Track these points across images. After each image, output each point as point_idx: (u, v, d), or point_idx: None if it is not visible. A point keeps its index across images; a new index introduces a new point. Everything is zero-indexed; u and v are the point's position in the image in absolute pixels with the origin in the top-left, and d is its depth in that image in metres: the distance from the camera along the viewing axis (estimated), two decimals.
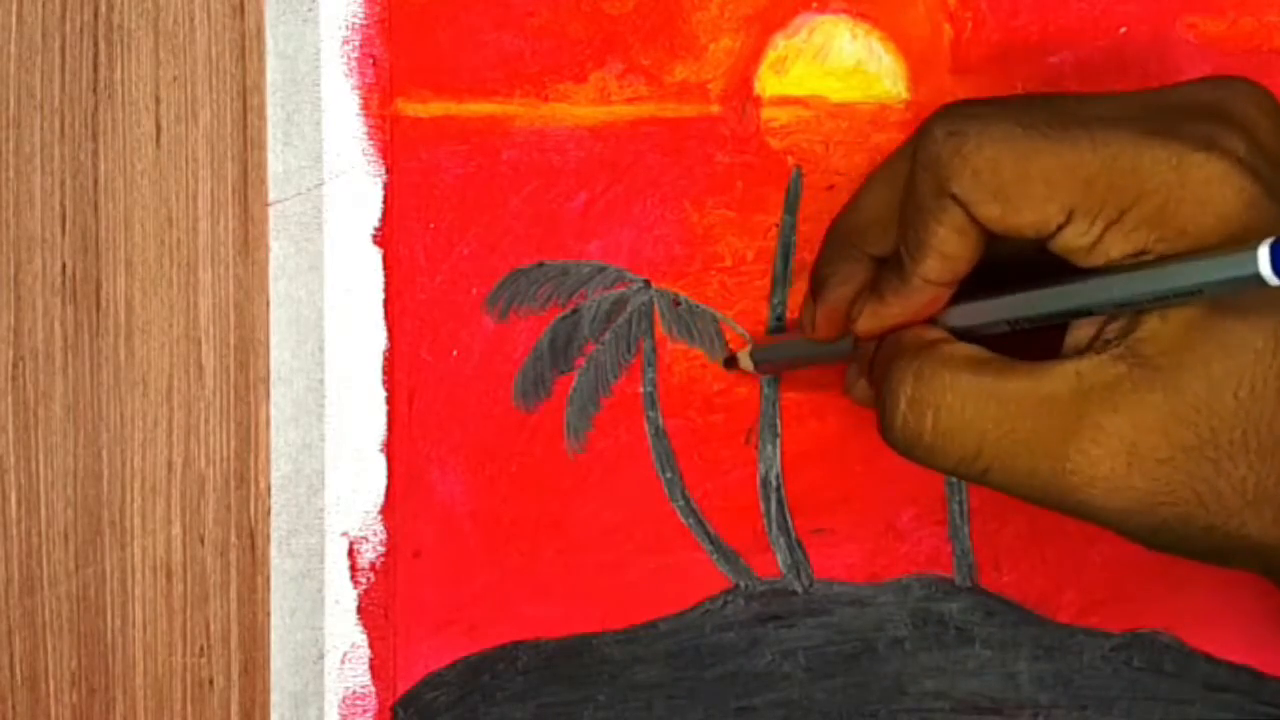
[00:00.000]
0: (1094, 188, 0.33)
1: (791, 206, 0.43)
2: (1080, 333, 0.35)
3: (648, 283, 0.43)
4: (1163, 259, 0.33)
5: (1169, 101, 0.35)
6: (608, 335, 0.43)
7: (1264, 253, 0.30)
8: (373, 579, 0.43)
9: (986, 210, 0.34)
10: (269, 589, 0.43)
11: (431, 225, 0.43)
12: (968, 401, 0.35)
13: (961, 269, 0.36)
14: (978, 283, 0.36)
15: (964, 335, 0.36)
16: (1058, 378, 0.34)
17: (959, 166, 0.34)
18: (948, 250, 0.35)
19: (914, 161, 0.35)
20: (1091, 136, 0.33)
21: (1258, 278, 0.30)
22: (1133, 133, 0.33)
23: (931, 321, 0.37)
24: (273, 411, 0.43)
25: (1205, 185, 0.33)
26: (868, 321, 0.38)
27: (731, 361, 0.43)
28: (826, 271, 0.39)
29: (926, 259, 0.35)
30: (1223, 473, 0.33)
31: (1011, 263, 0.36)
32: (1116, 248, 0.33)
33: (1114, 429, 0.33)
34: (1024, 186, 0.33)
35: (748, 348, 0.43)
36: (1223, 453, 0.33)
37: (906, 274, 0.36)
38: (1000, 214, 0.34)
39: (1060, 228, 0.34)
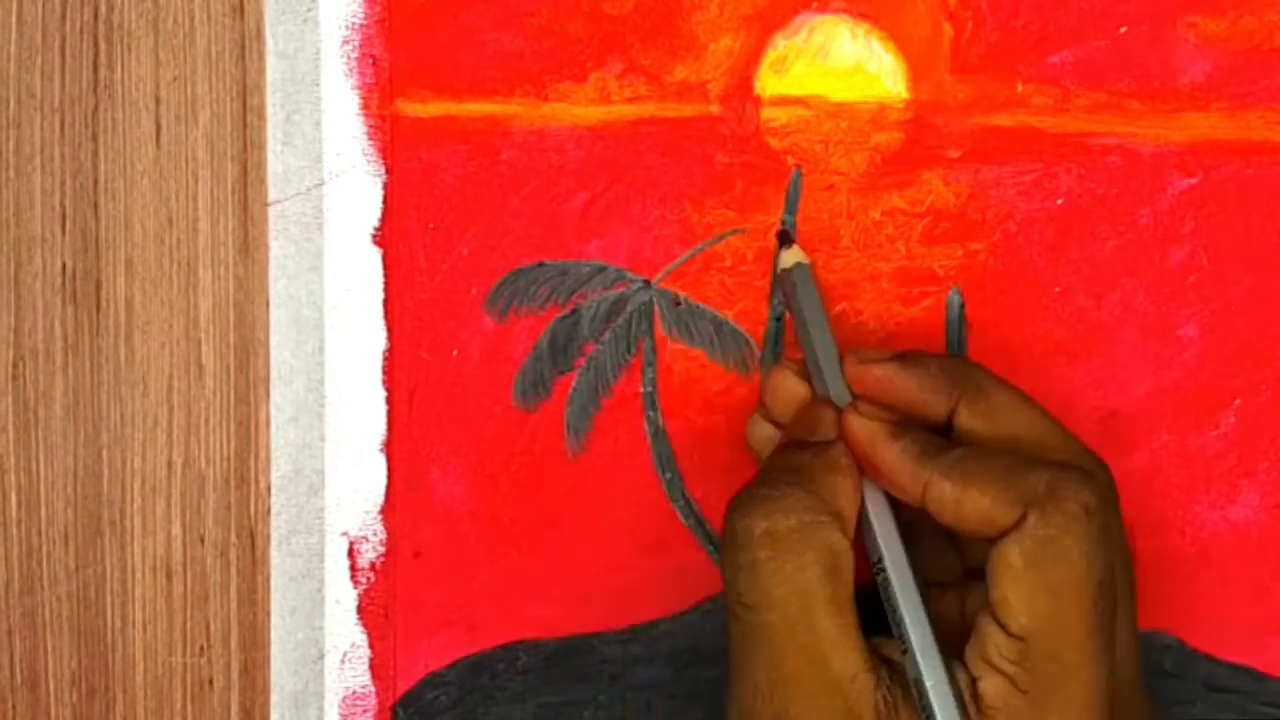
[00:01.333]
0: (1048, 662, 0.35)
1: (791, 206, 0.43)
2: (897, 651, 0.37)
3: (647, 282, 0.43)
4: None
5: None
6: (607, 335, 0.43)
7: None
8: (373, 579, 0.43)
9: (1013, 570, 0.35)
10: (269, 589, 0.43)
11: (431, 225, 0.43)
12: (790, 584, 0.35)
13: (937, 515, 0.37)
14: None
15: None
16: (845, 659, 0.35)
17: (1052, 541, 0.35)
18: (965, 511, 0.36)
19: (1050, 487, 0.35)
20: (1104, 647, 0.35)
21: None
22: (1099, 694, 0.35)
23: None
24: (273, 411, 0.43)
25: None
26: (862, 433, 0.38)
27: (786, 237, 0.42)
28: (933, 370, 0.39)
29: (950, 485, 0.36)
30: None
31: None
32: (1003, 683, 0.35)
33: None
34: (1044, 607, 0.35)
35: (807, 260, 0.41)
36: None
37: (926, 464, 0.37)
38: (1013, 586, 0.35)
39: (1011, 631, 0.35)
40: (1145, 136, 0.43)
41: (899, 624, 0.36)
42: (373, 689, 0.44)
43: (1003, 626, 0.35)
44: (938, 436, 0.38)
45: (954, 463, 0.36)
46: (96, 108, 0.43)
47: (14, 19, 0.43)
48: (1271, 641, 0.44)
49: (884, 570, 0.37)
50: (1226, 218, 0.43)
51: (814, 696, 0.35)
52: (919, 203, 0.43)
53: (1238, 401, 0.43)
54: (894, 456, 0.37)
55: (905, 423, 0.38)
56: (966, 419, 0.38)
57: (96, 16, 0.43)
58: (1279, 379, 0.43)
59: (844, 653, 0.35)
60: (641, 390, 0.43)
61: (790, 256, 0.41)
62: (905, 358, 0.39)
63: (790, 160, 0.43)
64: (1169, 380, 0.43)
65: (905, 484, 0.37)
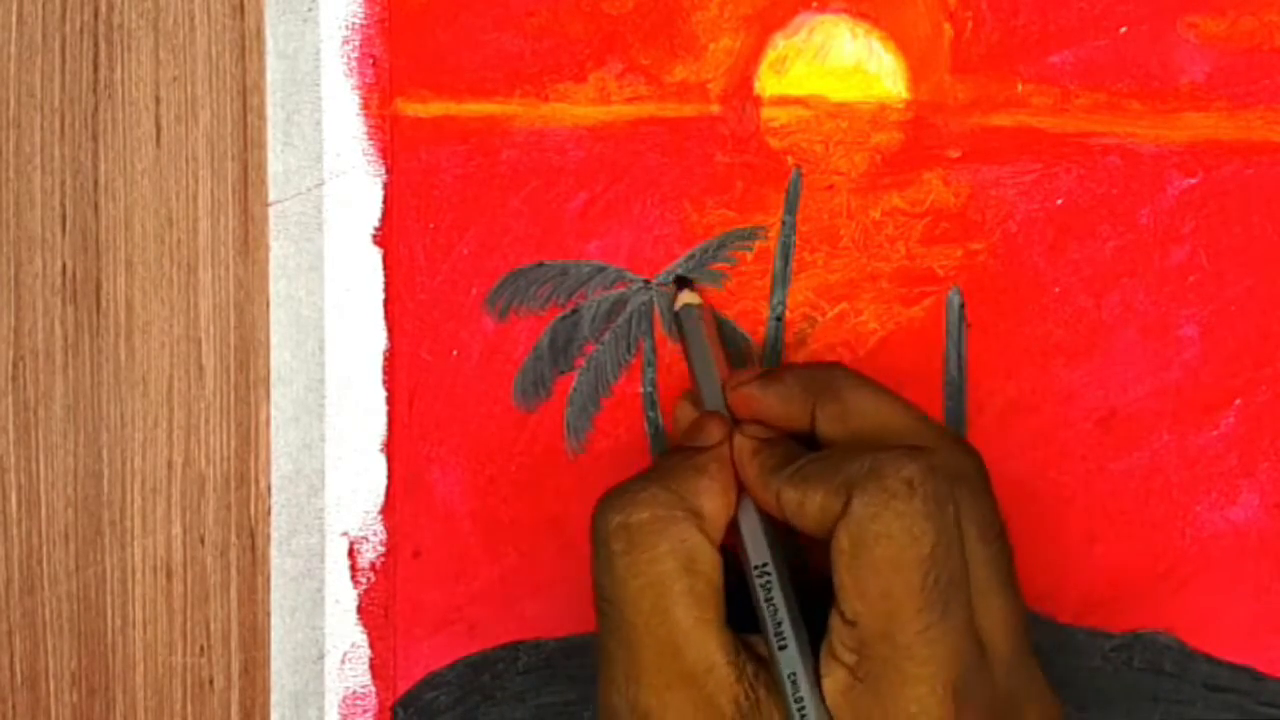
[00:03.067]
0: (880, 644, 0.35)
1: (791, 206, 0.43)
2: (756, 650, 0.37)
3: (647, 283, 0.43)
4: None
5: (1013, 683, 0.37)
6: (608, 335, 0.43)
7: None
8: (373, 579, 0.43)
9: (842, 539, 0.35)
10: (269, 589, 0.43)
11: (431, 225, 0.43)
12: (646, 577, 0.36)
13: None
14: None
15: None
16: (703, 649, 0.36)
17: (870, 499, 0.35)
18: (827, 432, 0.39)
19: (884, 443, 0.36)
20: (934, 625, 0.34)
21: None
22: (951, 674, 0.35)
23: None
24: (273, 411, 0.43)
25: None
26: (742, 398, 0.40)
27: (684, 282, 0.42)
28: (806, 387, 0.40)
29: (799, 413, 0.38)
30: None
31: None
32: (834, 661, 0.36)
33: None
34: (872, 573, 0.35)
35: (696, 299, 0.42)
36: None
37: (793, 400, 0.39)
38: (841, 552, 0.35)
39: (843, 617, 0.35)
40: (1145, 136, 0.43)
41: (768, 624, 0.37)
42: (373, 689, 0.44)
43: (841, 615, 0.35)
44: (802, 450, 0.38)
45: (795, 470, 0.37)
46: (96, 108, 0.43)
47: (14, 19, 0.43)
48: (1271, 641, 0.44)
49: (756, 575, 0.38)
50: (1226, 218, 0.43)
51: (668, 688, 0.36)
52: (919, 203, 0.43)
53: (1238, 401, 0.43)
54: (752, 472, 0.38)
55: (778, 440, 0.39)
56: (824, 424, 0.39)
57: (96, 16, 0.43)
58: (1279, 379, 0.43)
59: (700, 644, 0.36)
60: (641, 390, 0.43)
61: (684, 298, 0.42)
62: (767, 374, 0.40)
63: (790, 160, 0.43)
64: (1169, 380, 0.43)
65: (762, 497, 0.38)
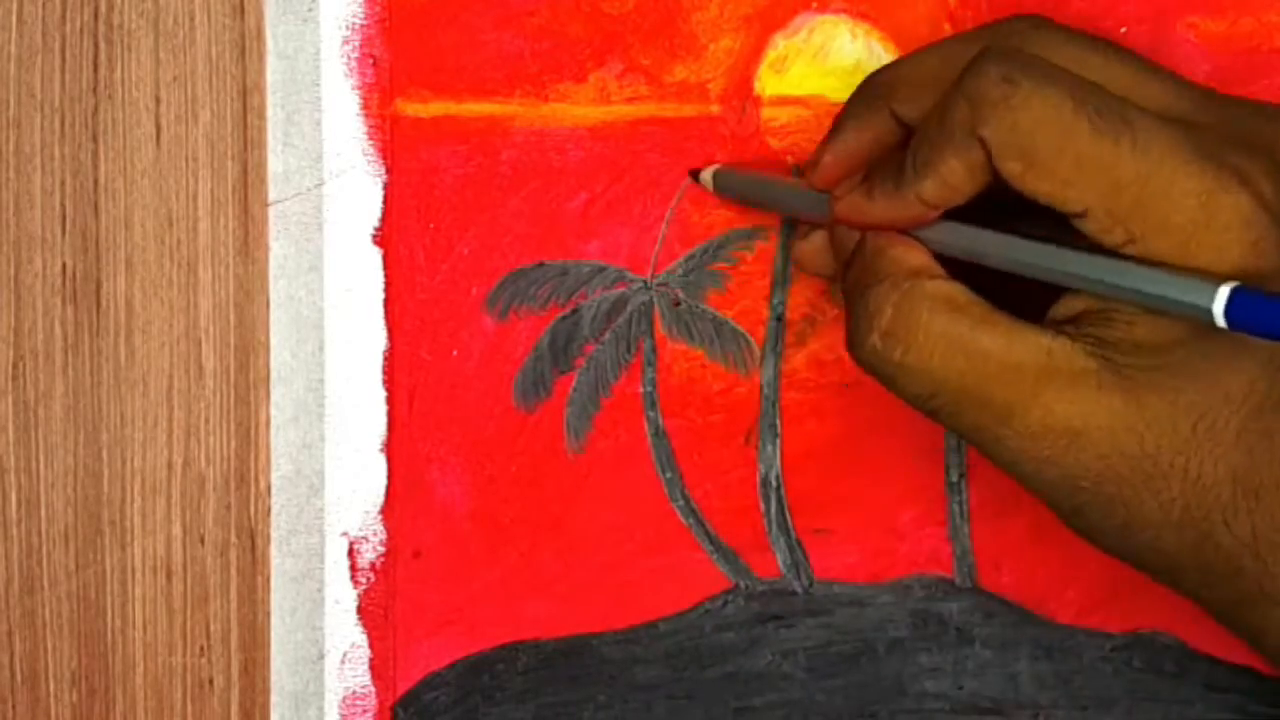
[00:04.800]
0: (1120, 196, 0.33)
1: None
2: (1068, 305, 0.35)
3: (647, 283, 0.43)
4: (1142, 261, 0.33)
5: (1220, 117, 0.36)
6: (608, 335, 0.43)
7: (1222, 294, 0.31)
8: (372, 579, 0.43)
9: (1009, 165, 0.34)
10: (269, 589, 0.43)
11: (431, 225, 0.43)
12: (937, 347, 0.35)
13: (959, 200, 0.36)
14: (973, 206, 0.36)
15: (945, 258, 0.37)
16: (1028, 347, 0.35)
17: (1000, 114, 0.34)
18: (953, 181, 0.35)
19: (956, 89, 0.35)
20: (1134, 140, 0.33)
21: (1210, 314, 0.32)
22: (1174, 150, 0.33)
23: (914, 234, 0.37)
24: (273, 411, 0.43)
25: (1225, 228, 0.33)
26: (847, 209, 0.38)
27: (695, 173, 0.42)
28: (848, 117, 0.39)
29: (927, 179, 0.35)
30: (1153, 489, 0.35)
31: (1014, 199, 0.36)
32: (1127, 250, 0.34)
33: (1063, 415, 0.34)
34: (1054, 160, 0.34)
35: (714, 166, 0.42)
36: (1160, 471, 0.34)
37: (903, 184, 0.36)
38: (1021, 173, 0.34)
39: (1075, 215, 0.34)
40: None
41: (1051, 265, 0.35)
42: (373, 689, 0.44)
43: (1083, 218, 0.34)
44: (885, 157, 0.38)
45: (913, 165, 0.36)
46: (96, 108, 0.43)
47: (14, 19, 0.43)
48: None
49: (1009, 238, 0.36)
50: None
51: (1036, 395, 0.35)
52: None
53: None
54: (880, 202, 0.37)
55: (861, 171, 0.38)
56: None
57: (96, 16, 0.43)
58: None
59: (1023, 341, 0.35)
60: (641, 390, 0.43)
61: (706, 173, 0.42)
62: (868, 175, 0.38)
63: (790, 160, 0.43)
64: None
65: (903, 213, 0.37)
